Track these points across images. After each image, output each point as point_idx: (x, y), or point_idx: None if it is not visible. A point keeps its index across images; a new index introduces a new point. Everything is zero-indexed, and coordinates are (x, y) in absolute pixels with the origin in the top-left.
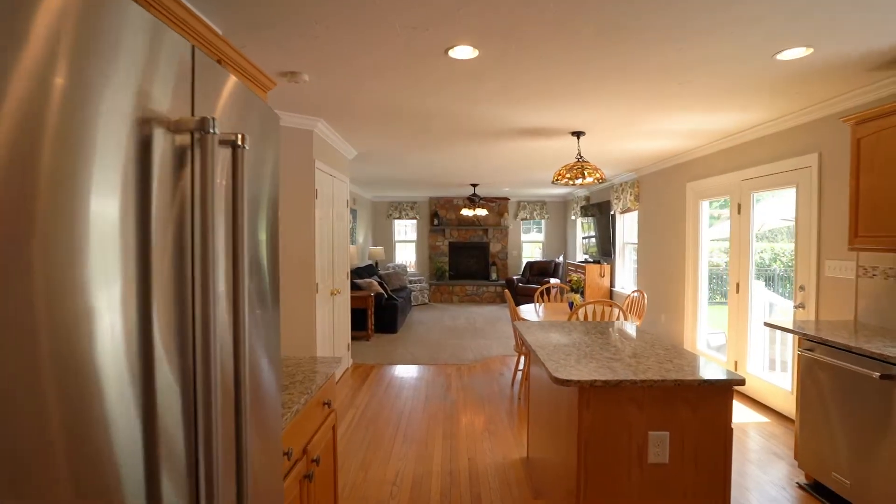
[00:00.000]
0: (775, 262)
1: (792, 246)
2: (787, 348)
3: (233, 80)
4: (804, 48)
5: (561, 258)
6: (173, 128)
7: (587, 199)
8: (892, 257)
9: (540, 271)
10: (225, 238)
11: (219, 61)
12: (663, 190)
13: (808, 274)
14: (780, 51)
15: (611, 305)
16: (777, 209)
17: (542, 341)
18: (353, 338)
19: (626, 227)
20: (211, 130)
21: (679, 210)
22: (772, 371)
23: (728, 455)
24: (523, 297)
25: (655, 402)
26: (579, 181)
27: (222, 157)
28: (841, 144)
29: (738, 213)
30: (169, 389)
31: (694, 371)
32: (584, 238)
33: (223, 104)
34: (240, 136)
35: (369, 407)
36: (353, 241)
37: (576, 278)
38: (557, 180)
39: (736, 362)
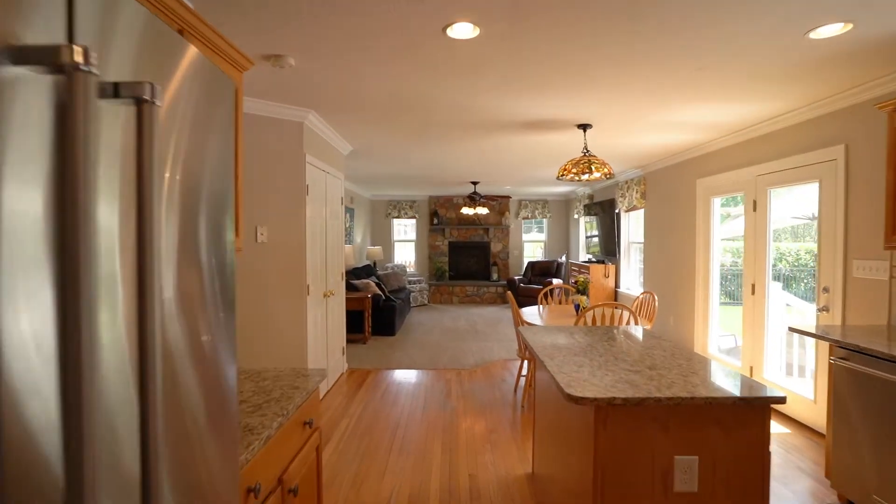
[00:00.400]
0: (780, 261)
1: (800, 245)
2: (806, 353)
3: (193, 51)
4: (842, 24)
5: (563, 258)
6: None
7: (590, 197)
8: None
9: (542, 271)
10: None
11: (181, 31)
12: (672, 187)
13: (832, 275)
14: (814, 28)
15: (620, 308)
16: (787, 207)
17: (550, 349)
18: (350, 341)
19: (632, 225)
20: (81, 64)
21: (689, 208)
22: (789, 377)
23: (766, 483)
24: (525, 297)
25: (682, 422)
26: (586, 177)
27: (127, 119)
28: (871, 135)
29: (754, 210)
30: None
31: (725, 386)
32: (587, 237)
33: (180, 77)
34: (149, 87)
35: (364, 416)
36: (350, 241)
37: (582, 279)
38: (563, 176)
39: (751, 367)
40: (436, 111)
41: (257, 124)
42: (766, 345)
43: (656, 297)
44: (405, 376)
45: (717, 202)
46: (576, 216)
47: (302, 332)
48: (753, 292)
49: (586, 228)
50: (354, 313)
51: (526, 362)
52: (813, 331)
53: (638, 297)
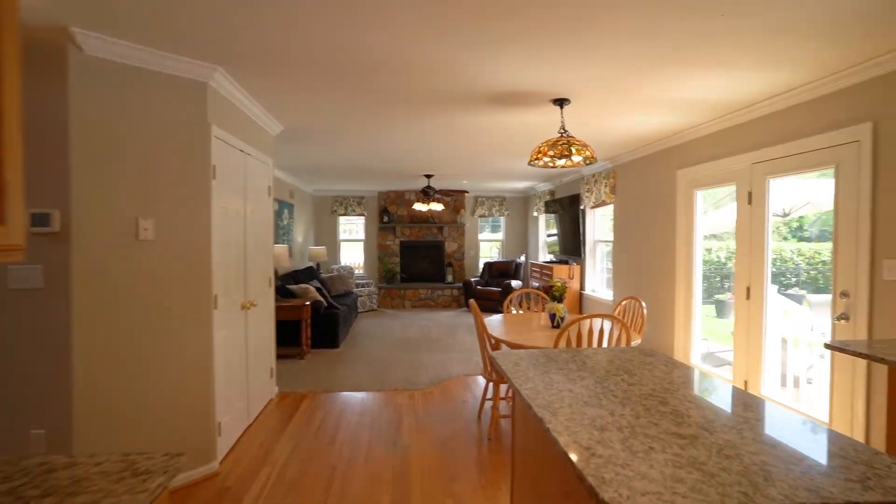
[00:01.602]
0: (730, 260)
1: (786, 244)
2: (803, 362)
3: None
4: None
5: (522, 258)
6: None
7: (551, 193)
8: None
9: (500, 272)
10: None
11: None
12: (646, 179)
13: (853, 277)
14: None
15: (611, 321)
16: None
17: (546, 395)
18: (284, 357)
19: (598, 223)
20: None
21: (667, 202)
22: (783, 388)
23: None
24: (484, 300)
25: None
26: (562, 162)
27: None
28: None
29: (749, 203)
30: None
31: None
32: (548, 236)
33: None
34: None
35: (291, 461)
36: (288, 241)
37: (559, 284)
38: (536, 160)
39: (746, 381)
40: (383, 73)
41: (138, 80)
42: (765, 356)
43: (644, 304)
44: (348, 401)
45: (700, 196)
46: (535, 213)
47: (206, 358)
48: (749, 296)
49: (547, 226)
50: (290, 324)
51: (492, 385)
52: (853, 347)
53: (621, 303)
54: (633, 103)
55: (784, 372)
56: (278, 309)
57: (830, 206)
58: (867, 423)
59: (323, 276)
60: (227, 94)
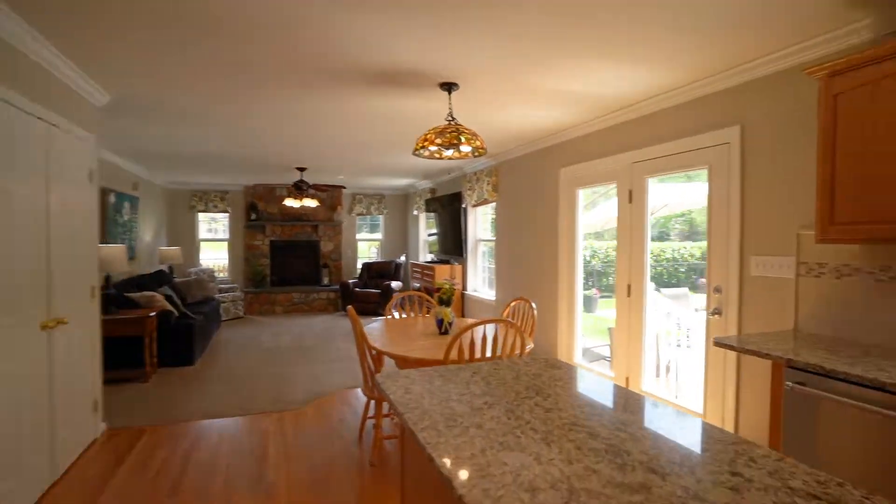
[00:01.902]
0: (594, 258)
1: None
2: (670, 353)
3: None
4: None
5: (403, 258)
6: None
7: (432, 191)
8: (849, 251)
9: (379, 273)
10: None
11: None
12: (530, 178)
13: (725, 273)
14: None
15: (504, 324)
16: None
17: (451, 438)
18: (120, 381)
19: (481, 221)
20: None
21: (550, 201)
22: (657, 380)
23: None
24: (363, 303)
25: None
26: (450, 152)
27: None
28: (772, 114)
29: (630, 201)
30: None
31: None
32: (429, 235)
33: None
34: None
35: None
36: (129, 240)
37: (448, 287)
38: (422, 148)
39: (627, 378)
40: (225, 21)
41: None
42: (644, 353)
43: (534, 305)
44: (201, 433)
45: (582, 194)
46: (415, 212)
47: None
48: (629, 294)
49: (428, 226)
50: (130, 340)
51: (374, 402)
52: (733, 342)
53: (510, 304)
54: (522, 94)
55: (658, 365)
56: (111, 323)
57: (694, 206)
58: (736, 416)
59: (177, 280)
60: (8, 36)
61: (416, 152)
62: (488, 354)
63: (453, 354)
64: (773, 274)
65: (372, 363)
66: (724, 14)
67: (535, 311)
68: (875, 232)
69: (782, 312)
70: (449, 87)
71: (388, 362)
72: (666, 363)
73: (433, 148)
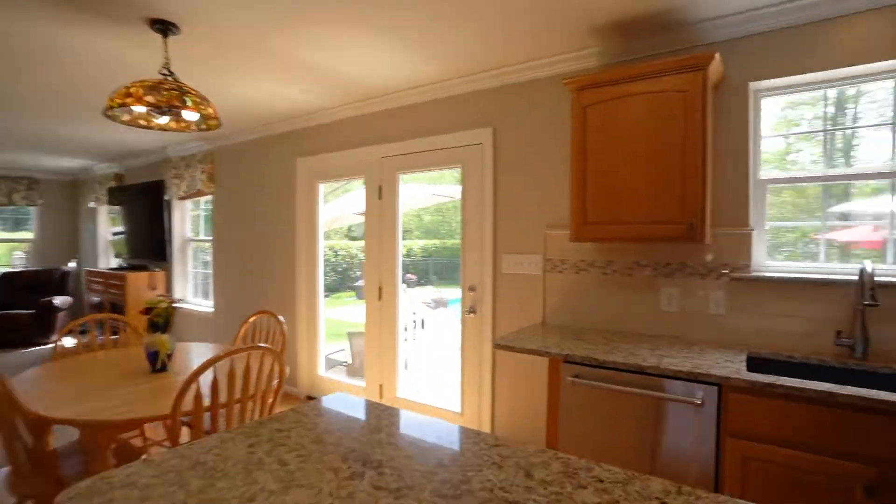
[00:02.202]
0: (335, 256)
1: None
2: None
3: None
4: None
5: (74, 265)
6: None
7: (118, 177)
8: (585, 248)
9: (33, 287)
10: None
11: None
12: (259, 167)
13: (479, 272)
14: None
15: (264, 353)
16: (351, 201)
17: None
18: None
19: (189, 217)
20: None
21: (285, 195)
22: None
23: None
24: (6, 331)
25: None
26: (165, 120)
27: None
28: (521, 123)
29: (380, 198)
30: None
31: None
32: (114, 235)
33: None
34: None
35: None
36: None
37: (164, 305)
38: (121, 107)
39: (381, 386)
40: None
41: None
42: (399, 358)
43: (282, 319)
44: None
45: (323, 188)
46: (92, 204)
47: None
48: (381, 297)
49: (112, 222)
50: None
51: None
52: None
53: (249, 319)
54: (261, 59)
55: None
56: None
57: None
58: (493, 411)
59: None
60: None
61: (110, 113)
62: (238, 396)
63: (187, 404)
64: (523, 271)
65: (29, 438)
66: (484, 12)
67: (285, 327)
68: (618, 231)
69: (532, 307)
70: (165, 27)
71: (69, 435)
72: (418, 364)
73: (140, 108)
